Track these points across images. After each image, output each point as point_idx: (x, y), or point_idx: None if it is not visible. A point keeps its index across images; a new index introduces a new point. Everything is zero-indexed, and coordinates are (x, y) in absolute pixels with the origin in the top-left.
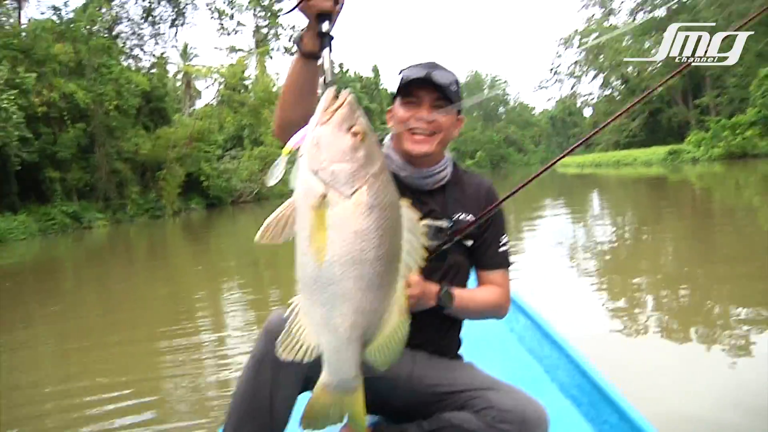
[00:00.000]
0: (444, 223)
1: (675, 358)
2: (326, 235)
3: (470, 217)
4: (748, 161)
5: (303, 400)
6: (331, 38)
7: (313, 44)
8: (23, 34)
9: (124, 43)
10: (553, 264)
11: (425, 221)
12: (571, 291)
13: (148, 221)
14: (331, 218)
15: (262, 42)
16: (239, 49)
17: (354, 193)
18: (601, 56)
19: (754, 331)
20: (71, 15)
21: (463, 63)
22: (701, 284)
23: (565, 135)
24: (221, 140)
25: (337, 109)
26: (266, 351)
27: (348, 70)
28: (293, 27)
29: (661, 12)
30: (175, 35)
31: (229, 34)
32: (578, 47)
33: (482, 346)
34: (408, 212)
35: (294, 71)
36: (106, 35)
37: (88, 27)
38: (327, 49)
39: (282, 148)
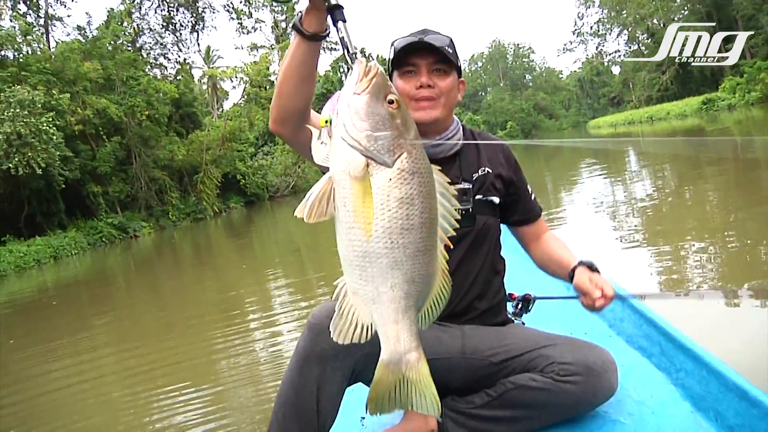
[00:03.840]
0: (466, 185)
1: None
2: (373, 205)
3: (490, 171)
4: None
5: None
6: (341, 7)
7: (318, 22)
8: (53, 56)
9: (148, 53)
10: (597, 223)
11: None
12: (617, 248)
13: (190, 224)
14: (374, 188)
15: (281, 36)
16: (261, 46)
17: (396, 160)
18: (624, 12)
19: None
20: (95, 33)
21: (484, 34)
22: (751, 235)
23: (595, 96)
24: (253, 138)
25: (372, 79)
26: (311, 347)
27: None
28: None
29: None
30: (197, 40)
31: (248, 32)
32: (599, 5)
33: (542, 309)
34: (439, 176)
35: (294, 57)
36: (130, 48)
37: (112, 42)
38: (342, 22)
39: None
